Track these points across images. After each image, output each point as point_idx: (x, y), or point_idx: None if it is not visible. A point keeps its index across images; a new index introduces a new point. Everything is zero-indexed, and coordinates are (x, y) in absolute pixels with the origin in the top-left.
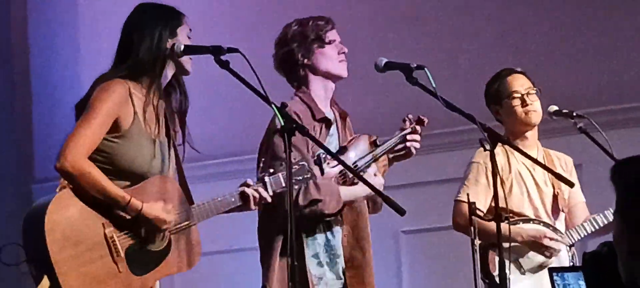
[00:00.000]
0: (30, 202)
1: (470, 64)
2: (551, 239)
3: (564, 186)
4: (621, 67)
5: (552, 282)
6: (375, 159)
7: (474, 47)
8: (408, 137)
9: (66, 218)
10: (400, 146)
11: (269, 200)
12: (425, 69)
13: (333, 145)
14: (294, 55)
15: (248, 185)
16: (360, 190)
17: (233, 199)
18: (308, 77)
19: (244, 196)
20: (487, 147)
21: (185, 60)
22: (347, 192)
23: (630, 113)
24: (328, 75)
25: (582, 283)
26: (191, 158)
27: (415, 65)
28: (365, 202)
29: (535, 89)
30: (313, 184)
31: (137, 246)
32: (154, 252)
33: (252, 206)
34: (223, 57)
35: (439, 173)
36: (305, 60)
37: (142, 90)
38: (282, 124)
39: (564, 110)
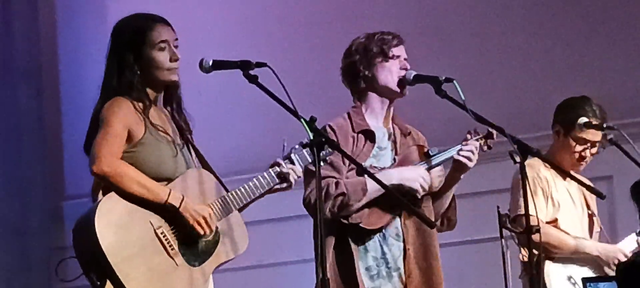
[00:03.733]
0: (61, 219)
1: (500, 77)
2: (626, 256)
3: (595, 209)
4: None
5: None
6: (429, 168)
7: (503, 60)
8: (463, 149)
9: (114, 222)
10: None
11: (301, 174)
12: (454, 81)
13: (385, 158)
14: (355, 66)
15: (279, 164)
16: (394, 174)
17: (266, 181)
18: (367, 90)
19: (281, 175)
20: (517, 159)
21: (162, 73)
22: (381, 176)
23: None
24: (386, 90)
25: None
26: (221, 174)
27: (444, 77)
28: (433, 215)
29: (602, 146)
30: (333, 184)
31: (188, 239)
32: (205, 243)
33: (293, 178)
34: (251, 72)
35: (469, 187)
36: (366, 72)
37: (140, 104)
38: (311, 137)
39: (595, 122)
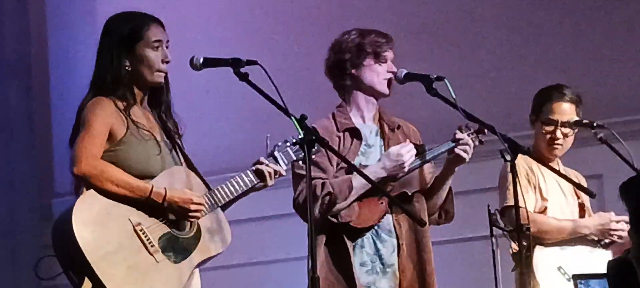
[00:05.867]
0: (51, 216)
1: (490, 75)
2: (617, 221)
3: (586, 197)
4: None
5: None
6: (422, 163)
7: (493, 58)
8: (461, 142)
9: (92, 218)
10: (452, 153)
11: (283, 173)
12: (446, 80)
13: (374, 155)
14: (344, 64)
15: (261, 163)
16: (378, 169)
17: (249, 178)
18: (352, 88)
19: (259, 173)
20: (508, 157)
21: (151, 73)
22: (367, 171)
23: None
24: (371, 91)
25: None
26: (208, 172)
27: (435, 76)
28: (426, 212)
29: (574, 127)
30: (320, 185)
31: (168, 235)
32: (186, 239)
33: (270, 182)
34: (242, 70)
35: (459, 185)
36: (353, 71)
37: (123, 103)
38: (301, 135)
39: (585, 121)
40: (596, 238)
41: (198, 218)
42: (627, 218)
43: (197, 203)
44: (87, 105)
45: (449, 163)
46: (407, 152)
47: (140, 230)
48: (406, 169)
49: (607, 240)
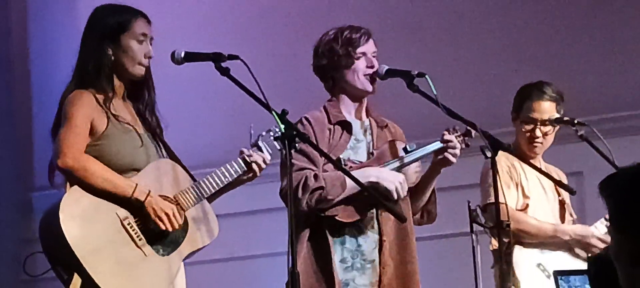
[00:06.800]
0: (30, 210)
1: (472, 72)
2: (598, 239)
3: (566, 195)
4: (623, 75)
5: (557, 285)
6: (402, 166)
7: (475, 55)
8: (449, 145)
9: (80, 214)
10: (439, 155)
11: (268, 160)
12: (426, 76)
13: (362, 150)
14: (323, 69)
15: (245, 153)
16: (373, 172)
17: (234, 168)
18: (336, 88)
19: (247, 163)
20: (488, 154)
21: (132, 65)
22: (359, 173)
23: (632, 121)
24: (354, 90)
25: (588, 286)
26: (191, 167)
27: (416, 72)
28: (410, 211)
29: (554, 125)
30: (312, 176)
31: (156, 229)
32: (173, 232)
33: (258, 171)
34: (223, 64)
35: (440, 181)
36: (334, 74)
37: (102, 95)
38: (282, 130)
39: (565, 118)
40: (580, 251)
41: (164, 227)
42: (608, 239)
43: (170, 220)
44: (68, 98)
45: (435, 164)
46: (400, 183)
47: (128, 224)
48: (394, 195)
49: (590, 254)
